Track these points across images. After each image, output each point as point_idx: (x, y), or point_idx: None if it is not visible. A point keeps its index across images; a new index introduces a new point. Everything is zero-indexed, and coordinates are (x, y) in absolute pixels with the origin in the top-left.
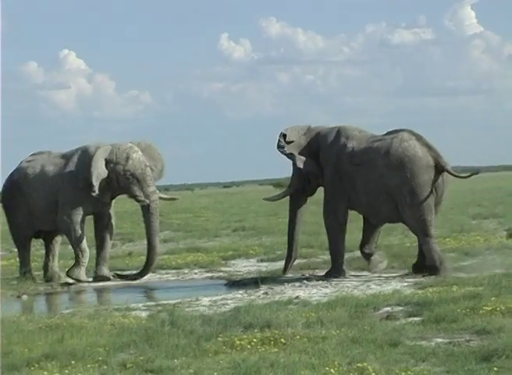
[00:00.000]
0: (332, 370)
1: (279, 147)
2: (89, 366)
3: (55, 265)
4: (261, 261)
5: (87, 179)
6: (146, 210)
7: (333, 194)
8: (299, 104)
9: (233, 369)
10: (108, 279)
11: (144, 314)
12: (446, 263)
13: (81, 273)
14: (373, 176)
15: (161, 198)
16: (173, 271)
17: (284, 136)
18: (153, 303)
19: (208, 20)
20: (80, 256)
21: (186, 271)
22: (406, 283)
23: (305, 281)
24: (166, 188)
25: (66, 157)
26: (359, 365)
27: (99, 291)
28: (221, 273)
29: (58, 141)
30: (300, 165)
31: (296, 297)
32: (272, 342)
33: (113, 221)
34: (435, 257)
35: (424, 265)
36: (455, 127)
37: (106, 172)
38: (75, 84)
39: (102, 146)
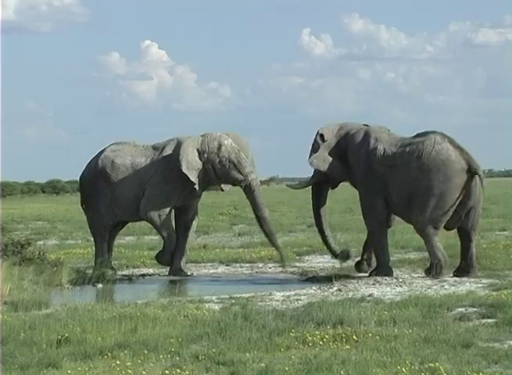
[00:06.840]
0: (403, 369)
1: (313, 148)
2: (161, 356)
3: None
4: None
5: (180, 171)
6: (248, 189)
7: (368, 193)
8: (379, 101)
9: (305, 364)
10: (184, 273)
11: (217, 307)
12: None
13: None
14: (407, 179)
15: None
16: (247, 265)
17: (322, 136)
18: (226, 296)
19: (290, 15)
20: (169, 244)
21: (260, 265)
22: (480, 285)
23: (379, 279)
24: None
25: (158, 149)
26: (431, 365)
27: (173, 283)
28: (295, 269)
29: (137, 131)
30: (321, 167)
31: (370, 295)
32: (344, 339)
33: (197, 215)
34: (439, 255)
35: (466, 267)
36: None
37: (200, 162)
38: (156, 75)
39: (192, 137)
